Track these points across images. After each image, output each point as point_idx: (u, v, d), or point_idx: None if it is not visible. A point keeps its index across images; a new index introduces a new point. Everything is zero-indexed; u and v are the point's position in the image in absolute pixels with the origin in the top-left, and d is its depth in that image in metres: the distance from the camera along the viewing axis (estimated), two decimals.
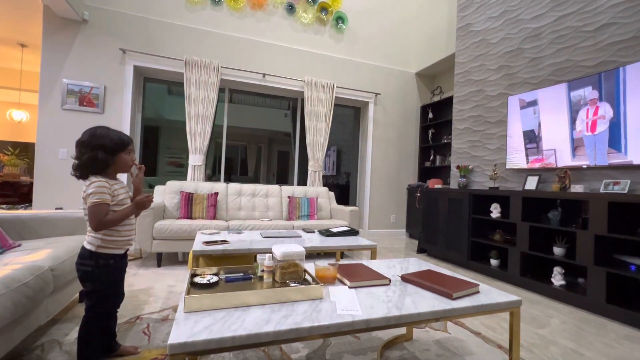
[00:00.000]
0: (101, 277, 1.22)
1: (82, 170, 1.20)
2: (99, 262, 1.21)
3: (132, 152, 1.32)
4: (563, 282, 2.43)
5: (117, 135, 1.25)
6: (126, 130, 3.67)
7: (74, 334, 1.55)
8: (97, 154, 1.19)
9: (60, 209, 3.42)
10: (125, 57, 3.66)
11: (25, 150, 6.56)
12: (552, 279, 2.48)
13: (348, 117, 5.48)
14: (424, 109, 5.16)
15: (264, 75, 4.23)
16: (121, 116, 3.67)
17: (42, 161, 3.42)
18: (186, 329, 0.85)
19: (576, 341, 1.75)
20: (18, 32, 4.60)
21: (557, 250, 2.46)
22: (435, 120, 4.98)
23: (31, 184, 3.45)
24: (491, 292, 1.26)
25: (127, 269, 2.64)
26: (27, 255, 1.49)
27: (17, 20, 4.28)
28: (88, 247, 1.21)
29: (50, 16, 3.40)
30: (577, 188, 2.47)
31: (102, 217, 1.17)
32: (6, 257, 1.47)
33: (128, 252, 1.37)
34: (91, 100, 3.55)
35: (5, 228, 1.82)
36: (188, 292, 1.06)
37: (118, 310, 1.41)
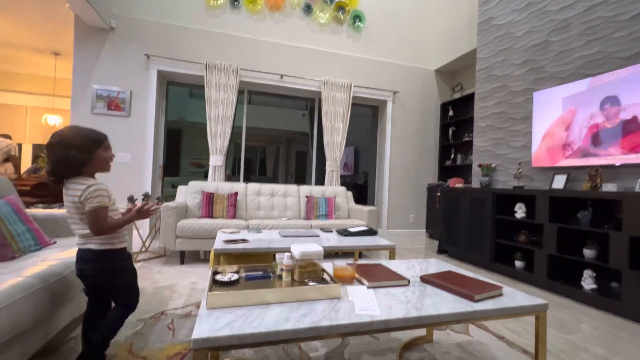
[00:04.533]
0: (124, 269, 1.24)
1: (57, 173, 1.13)
2: (115, 257, 1.21)
3: (109, 149, 1.25)
4: (594, 286, 2.31)
5: (89, 132, 1.19)
6: (150, 132, 3.82)
7: None
8: (68, 153, 1.11)
9: None
10: (149, 62, 3.80)
11: None
12: (582, 283, 2.36)
13: (366, 116, 5.45)
14: (444, 107, 5.04)
15: (282, 76, 4.27)
16: (146, 119, 3.82)
17: None
18: (209, 325, 0.87)
19: (609, 348, 1.66)
20: (51, 41, 4.89)
21: (588, 253, 2.34)
22: (456, 118, 4.86)
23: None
24: (515, 294, 1.22)
25: (152, 267, 2.77)
26: (62, 251, 1.58)
27: (51, 31, 4.55)
28: (96, 247, 1.17)
29: (80, 25, 3.59)
30: (609, 187, 2.34)
31: (103, 222, 1.14)
32: (43, 253, 1.57)
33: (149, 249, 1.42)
34: (118, 105, 3.72)
35: (42, 226, 1.93)
36: (210, 289, 1.09)
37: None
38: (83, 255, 1.18)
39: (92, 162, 1.17)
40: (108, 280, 1.22)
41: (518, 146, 3.29)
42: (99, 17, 3.40)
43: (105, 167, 1.24)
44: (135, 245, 3.48)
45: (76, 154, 1.12)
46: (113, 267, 1.21)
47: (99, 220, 1.13)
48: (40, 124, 6.76)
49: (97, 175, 1.24)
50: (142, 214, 1.26)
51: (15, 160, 4.79)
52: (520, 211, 2.92)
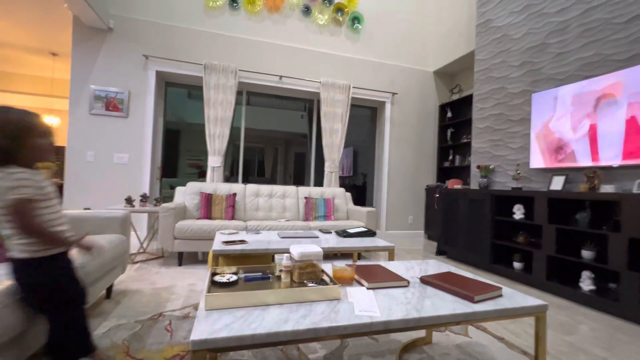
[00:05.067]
0: (50, 280, 1.06)
1: None
2: (41, 266, 1.04)
3: (46, 135, 1.09)
4: (593, 287, 2.31)
5: (19, 116, 1.02)
6: (149, 133, 3.81)
7: (102, 329, 1.61)
8: None
9: (89, 209, 3.57)
10: (147, 63, 3.79)
11: (56, 154, 6.91)
12: (581, 284, 2.37)
13: (365, 117, 5.45)
14: (443, 108, 5.06)
15: (281, 77, 4.27)
16: (144, 120, 3.80)
17: (71, 164, 3.60)
18: (207, 327, 0.87)
19: (608, 349, 1.66)
20: (49, 42, 4.87)
21: (586, 254, 2.35)
22: (455, 120, 4.87)
23: (62, 185, 3.64)
24: (515, 295, 1.22)
25: (150, 268, 2.75)
26: None
27: (49, 31, 4.53)
28: (21, 255, 1.02)
29: (79, 26, 3.58)
30: (607, 188, 2.35)
31: (30, 217, 0.99)
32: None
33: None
34: (116, 105, 3.70)
35: None
36: (209, 291, 1.08)
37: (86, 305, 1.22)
38: (12, 266, 1.04)
39: (24, 150, 1.02)
40: (32, 291, 1.06)
41: (516, 148, 3.29)
42: (97, 17, 3.40)
43: (43, 155, 1.07)
44: (133, 246, 3.46)
45: (3, 142, 0.98)
46: (38, 275, 1.04)
47: (24, 215, 0.97)
48: None
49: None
50: (81, 246, 1.12)
51: None
52: (518, 212, 2.92)
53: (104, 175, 3.67)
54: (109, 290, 2.04)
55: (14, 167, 1.00)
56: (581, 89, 2.64)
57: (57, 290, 1.09)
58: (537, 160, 2.99)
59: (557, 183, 2.76)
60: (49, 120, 6.26)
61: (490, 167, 3.53)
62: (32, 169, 1.06)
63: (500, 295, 1.22)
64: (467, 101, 4.63)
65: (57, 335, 1.09)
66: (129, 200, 3.07)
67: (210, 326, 0.87)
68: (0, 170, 0.99)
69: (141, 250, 3.27)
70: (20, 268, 1.03)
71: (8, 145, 0.99)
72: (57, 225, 1.10)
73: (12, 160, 1.01)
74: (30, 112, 1.06)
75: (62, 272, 1.11)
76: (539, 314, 1.15)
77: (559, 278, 2.58)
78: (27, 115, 1.04)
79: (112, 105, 3.69)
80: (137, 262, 2.93)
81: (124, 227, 2.17)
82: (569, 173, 2.76)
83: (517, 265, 2.87)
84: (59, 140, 7.18)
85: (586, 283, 2.33)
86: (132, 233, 3.71)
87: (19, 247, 1.02)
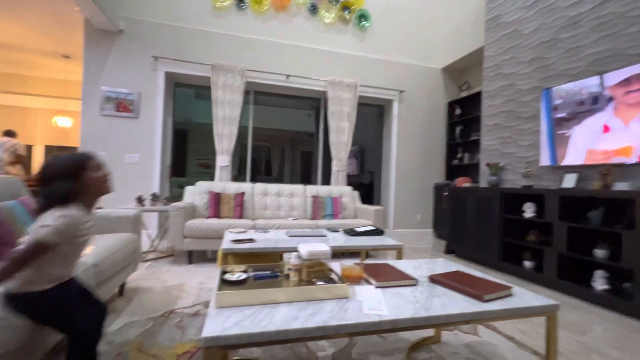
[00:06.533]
0: (46, 310, 1.03)
1: (49, 209, 1.01)
2: (29, 298, 1.00)
3: (99, 168, 1.12)
4: (606, 287, 2.27)
5: (69, 158, 1.07)
6: (158, 133, 3.86)
7: (115, 326, 1.65)
8: (53, 185, 1.02)
9: (100, 208, 3.65)
10: (157, 64, 3.84)
11: None
12: (593, 283, 2.32)
13: (372, 115, 5.43)
14: (451, 106, 5.00)
15: (288, 76, 4.28)
16: (154, 120, 3.86)
17: None
18: (218, 324, 0.88)
19: (621, 350, 1.63)
20: (62, 45, 4.98)
21: (599, 252, 2.30)
22: (463, 117, 4.81)
23: None
24: (525, 295, 1.21)
25: (160, 266, 2.79)
26: None
27: (61, 35, 4.63)
28: (6, 290, 1.00)
29: (90, 28, 3.65)
30: (621, 186, 2.30)
31: (33, 261, 0.97)
32: None
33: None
34: (127, 106, 3.76)
35: None
36: (219, 289, 1.10)
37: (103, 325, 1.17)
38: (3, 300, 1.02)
39: (83, 187, 1.07)
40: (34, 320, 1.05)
41: (526, 145, 3.24)
42: (107, 20, 3.45)
43: (100, 188, 1.11)
44: (144, 245, 3.52)
45: (61, 184, 1.03)
46: (27, 308, 1.01)
47: (32, 256, 0.96)
48: (51, 126, 6.89)
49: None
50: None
51: (23, 159, 4.83)
52: (529, 210, 2.88)
53: (116, 175, 3.74)
54: (122, 287, 2.09)
55: (72, 207, 1.03)
56: (594, 83, 2.58)
57: (51, 319, 1.06)
58: (548, 157, 2.93)
59: (569, 180, 2.72)
60: (62, 121, 6.39)
61: (500, 164, 3.48)
62: (93, 205, 1.13)
63: (511, 295, 1.20)
64: (476, 98, 4.58)
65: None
66: (140, 200, 3.12)
67: (221, 323, 0.89)
68: (58, 209, 1.01)
69: (152, 249, 3.33)
70: (8, 302, 1.02)
71: (69, 186, 1.04)
72: (72, 260, 1.11)
73: (75, 199, 1.06)
74: (80, 152, 1.11)
75: (54, 300, 1.06)
76: (550, 313, 1.14)
77: (570, 277, 2.54)
78: (78, 155, 1.10)
79: (123, 106, 3.75)
80: (147, 260, 2.99)
81: (135, 226, 2.21)
82: (582, 170, 2.71)
83: (527, 264, 2.83)
84: (72, 141, 7.34)
85: (599, 282, 2.29)
86: (143, 232, 3.77)
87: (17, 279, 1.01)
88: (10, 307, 1.01)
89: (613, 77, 2.45)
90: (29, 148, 7.02)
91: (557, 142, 2.86)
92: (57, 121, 6.39)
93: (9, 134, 4.77)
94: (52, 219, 0.98)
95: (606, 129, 2.49)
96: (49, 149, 7.30)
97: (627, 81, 2.35)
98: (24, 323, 1.04)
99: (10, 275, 0.97)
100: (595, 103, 2.57)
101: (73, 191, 1.05)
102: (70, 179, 1.04)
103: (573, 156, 2.73)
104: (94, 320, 1.13)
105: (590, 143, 2.60)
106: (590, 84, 2.61)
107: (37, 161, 7.15)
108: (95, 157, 1.13)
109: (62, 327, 1.05)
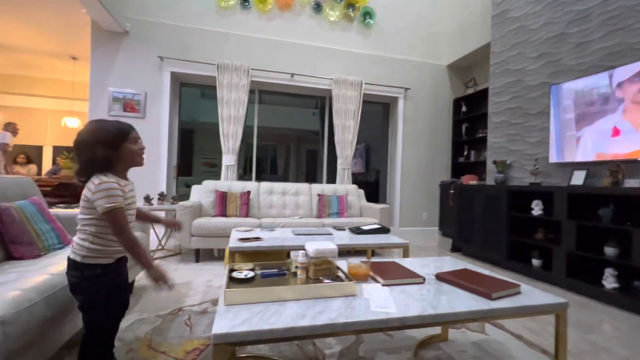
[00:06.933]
0: (90, 288, 1.06)
1: (85, 174, 1.05)
2: (84, 273, 1.04)
3: (137, 141, 1.14)
4: (616, 285, 2.24)
5: (114, 125, 1.09)
6: (165, 133, 3.90)
7: (125, 323, 1.68)
8: (95, 151, 1.03)
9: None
10: (163, 64, 3.88)
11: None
12: (603, 282, 2.29)
13: (377, 113, 5.41)
14: (457, 103, 4.96)
15: (292, 75, 4.29)
16: (160, 120, 3.89)
17: None
18: (227, 321, 0.89)
19: (632, 349, 1.61)
20: (70, 46, 5.04)
21: (609, 251, 2.27)
22: (469, 114, 4.77)
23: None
24: (534, 293, 1.20)
25: (168, 264, 2.83)
26: None
27: (69, 36, 4.69)
28: (72, 256, 1.06)
29: (97, 30, 3.69)
30: (632, 183, 2.26)
31: (124, 223, 1.03)
32: (66, 251, 1.63)
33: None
34: (133, 106, 3.80)
35: (63, 225, 2.00)
36: (227, 287, 1.11)
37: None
38: (67, 262, 1.08)
39: (120, 157, 1.09)
40: (72, 291, 1.08)
41: (534, 142, 3.21)
42: (114, 21, 3.49)
43: (135, 160, 1.14)
44: (152, 243, 3.56)
45: (102, 151, 1.04)
46: (77, 280, 1.05)
47: (119, 222, 1.02)
48: (59, 127, 6.98)
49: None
50: (154, 278, 1.06)
51: (7, 148, 4.68)
52: (537, 208, 2.85)
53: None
54: (131, 285, 2.12)
55: (109, 175, 1.06)
56: (604, 79, 2.53)
57: (88, 302, 1.07)
58: (557, 154, 2.89)
59: (578, 178, 2.68)
60: (70, 122, 6.48)
61: (507, 162, 3.45)
62: (125, 175, 1.14)
63: (519, 293, 1.20)
64: (483, 95, 4.53)
65: (82, 350, 1.10)
66: (148, 199, 3.16)
67: (230, 321, 0.90)
68: (97, 177, 1.03)
69: (160, 247, 3.37)
70: (70, 266, 1.07)
71: (108, 154, 1.05)
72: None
73: (111, 167, 1.07)
74: (122, 122, 1.12)
75: (99, 287, 1.07)
76: (559, 311, 1.13)
77: (579, 275, 2.51)
78: (120, 124, 1.11)
79: (130, 106, 3.79)
80: (156, 258, 3.02)
81: (144, 224, 2.24)
82: (591, 167, 2.67)
83: (535, 262, 2.80)
84: None
85: (609, 281, 2.26)
86: (151, 231, 3.82)
87: (74, 247, 1.06)
88: (74, 275, 1.04)
89: (623, 73, 2.40)
90: (38, 149, 7.13)
91: (566, 144, 2.83)
92: (66, 122, 6.48)
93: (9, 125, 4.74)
94: (100, 187, 1.00)
95: (616, 132, 2.44)
96: (57, 150, 7.41)
97: (637, 76, 2.31)
98: (38, 316, 1.06)
99: (142, 254, 1.05)
100: (605, 104, 2.52)
101: (110, 160, 1.06)
102: (112, 147, 1.06)
103: (582, 159, 2.69)
104: (116, 320, 1.14)
105: (599, 147, 2.56)
106: (600, 84, 2.56)
107: (47, 162, 7.26)
108: (134, 129, 1.15)
109: (91, 315, 1.06)
